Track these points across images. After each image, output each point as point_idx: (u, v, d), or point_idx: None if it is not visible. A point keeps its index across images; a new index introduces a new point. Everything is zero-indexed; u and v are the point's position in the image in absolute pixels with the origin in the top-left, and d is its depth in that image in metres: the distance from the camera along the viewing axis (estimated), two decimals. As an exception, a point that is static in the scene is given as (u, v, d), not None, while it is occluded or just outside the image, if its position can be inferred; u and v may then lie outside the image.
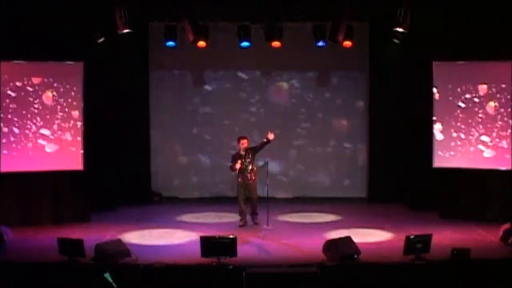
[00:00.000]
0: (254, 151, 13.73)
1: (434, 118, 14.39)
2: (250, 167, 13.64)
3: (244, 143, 13.69)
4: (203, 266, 10.38)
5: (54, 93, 13.86)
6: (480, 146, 14.12)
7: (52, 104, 13.85)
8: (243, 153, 13.65)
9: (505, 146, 13.92)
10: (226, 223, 14.12)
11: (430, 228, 12.26)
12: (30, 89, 13.70)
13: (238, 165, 13.53)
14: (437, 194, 14.59)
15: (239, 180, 13.71)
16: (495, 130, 14.01)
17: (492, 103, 14.03)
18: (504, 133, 13.94)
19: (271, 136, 13.59)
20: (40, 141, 13.78)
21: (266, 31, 14.45)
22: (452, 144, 14.31)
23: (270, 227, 13.52)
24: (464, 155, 14.24)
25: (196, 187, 17.18)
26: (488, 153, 14.07)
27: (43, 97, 13.79)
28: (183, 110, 17.13)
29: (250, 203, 13.80)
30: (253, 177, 13.71)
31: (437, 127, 14.39)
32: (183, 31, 14.27)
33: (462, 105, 14.25)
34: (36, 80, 13.75)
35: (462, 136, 14.25)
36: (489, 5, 13.74)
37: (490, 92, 14.04)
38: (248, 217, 13.82)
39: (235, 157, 13.67)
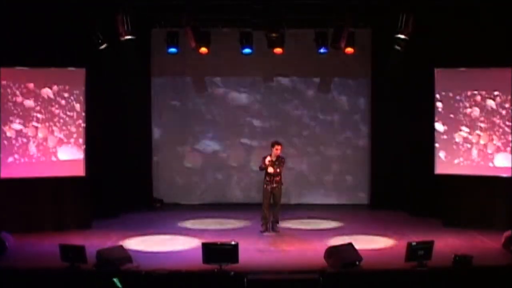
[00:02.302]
0: (282, 162, 13.55)
1: (436, 124, 14.39)
2: (278, 175, 13.51)
3: (278, 149, 13.44)
4: (204, 272, 10.37)
5: (56, 99, 13.86)
6: (482, 153, 14.12)
7: (54, 110, 13.85)
8: (274, 159, 13.46)
9: (508, 152, 13.90)
10: (228, 230, 14.11)
11: (432, 235, 12.25)
12: (32, 95, 13.70)
13: (267, 161, 13.37)
14: (439, 201, 14.58)
15: (267, 187, 13.53)
16: (497, 136, 14.00)
17: (493, 105, 14.05)
18: (506, 140, 13.93)
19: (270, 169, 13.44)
20: (42, 147, 13.78)
21: (268, 38, 14.46)
22: (454, 151, 14.31)
23: (271, 234, 13.50)
24: (466, 162, 14.23)
25: (198, 194, 17.18)
26: (490, 160, 14.06)
27: (45, 103, 13.79)
28: (185, 117, 17.14)
29: (273, 210, 13.66)
30: (280, 185, 13.56)
31: (439, 134, 14.38)
32: (185, 38, 14.30)
33: (464, 111, 14.25)
34: (38, 86, 13.75)
35: (464, 142, 14.25)
36: (490, 12, 13.73)
37: (492, 98, 14.04)
38: (269, 224, 13.67)
39: (265, 160, 13.47)
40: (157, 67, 16.77)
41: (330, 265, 10.87)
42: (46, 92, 13.81)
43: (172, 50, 15.24)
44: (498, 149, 14.01)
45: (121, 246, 11.60)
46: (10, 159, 13.55)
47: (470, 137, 14.21)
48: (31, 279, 10.18)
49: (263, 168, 13.49)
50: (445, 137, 14.37)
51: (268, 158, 13.45)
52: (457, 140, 14.31)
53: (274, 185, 13.53)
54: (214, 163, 17.14)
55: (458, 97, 14.30)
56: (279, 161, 13.52)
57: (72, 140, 13.97)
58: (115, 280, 9.61)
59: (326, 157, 17.17)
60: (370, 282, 10.23)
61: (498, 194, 14.01)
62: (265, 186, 13.60)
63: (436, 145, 14.41)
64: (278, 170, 13.48)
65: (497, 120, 14.02)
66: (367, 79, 16.83)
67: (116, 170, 15.44)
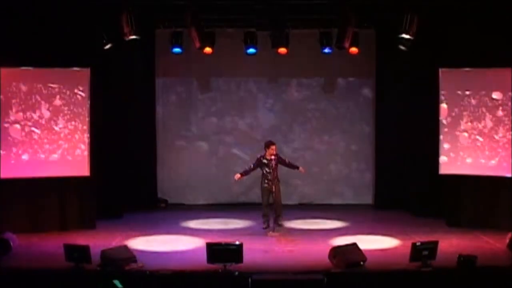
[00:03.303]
0: (280, 160, 13.87)
1: (440, 124, 14.37)
2: (274, 174, 13.72)
3: (273, 149, 13.74)
4: (208, 272, 10.38)
5: (60, 99, 13.87)
6: (487, 153, 14.09)
7: (58, 110, 13.87)
8: (269, 157, 13.73)
9: (510, 152, 13.88)
10: (232, 230, 14.12)
11: (437, 235, 12.26)
12: (36, 95, 13.71)
13: (237, 176, 13.87)
14: (443, 201, 14.56)
15: (265, 185, 13.79)
16: (501, 136, 13.98)
17: (497, 105, 14.03)
18: (509, 140, 13.89)
19: (302, 170, 14.19)
20: (46, 146, 13.79)
21: (272, 38, 14.45)
22: (458, 151, 14.28)
23: (276, 234, 13.51)
24: (471, 162, 14.20)
25: (202, 194, 17.18)
26: (494, 160, 14.04)
27: (49, 103, 13.80)
28: (189, 117, 17.15)
29: (275, 207, 13.82)
30: (277, 183, 13.77)
31: (443, 134, 14.37)
32: (190, 38, 14.30)
33: (468, 111, 14.23)
34: (42, 86, 13.75)
35: (468, 143, 14.22)
36: (494, 12, 13.70)
37: (495, 98, 14.02)
38: (271, 221, 13.82)
39: (259, 161, 13.81)
40: (161, 67, 16.77)
41: (335, 265, 10.87)
42: (50, 92, 13.81)
43: (177, 50, 15.24)
44: (501, 149, 13.97)
45: (126, 246, 11.62)
46: (14, 159, 13.56)
47: (473, 137, 14.19)
48: (36, 279, 10.18)
49: (237, 176, 13.88)
50: (449, 137, 14.35)
51: (238, 176, 13.91)
52: (461, 140, 14.28)
53: (272, 183, 13.68)
54: (218, 163, 17.12)
55: (462, 97, 14.27)
56: (275, 159, 13.76)
57: (76, 140, 13.97)
58: (116, 282, 9.61)
59: (330, 157, 17.15)
60: (375, 282, 10.22)
61: (502, 194, 13.98)
62: (263, 184, 13.84)
63: (440, 145, 14.38)
64: (274, 169, 13.74)
65: (501, 120, 13.99)
66: (371, 79, 16.82)
67: (120, 170, 15.45)
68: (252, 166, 13.94)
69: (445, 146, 14.36)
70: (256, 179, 14.66)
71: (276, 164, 13.75)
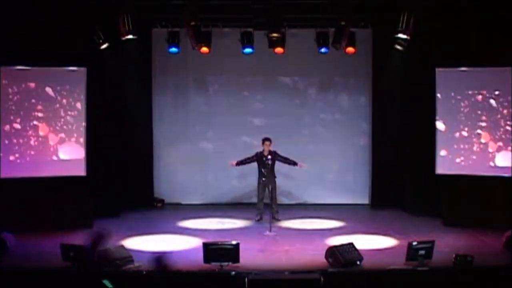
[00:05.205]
0: (276, 156, 14.46)
1: (437, 124, 14.38)
2: (271, 170, 14.34)
3: (268, 145, 14.39)
4: (205, 272, 10.38)
5: (57, 98, 13.87)
6: (483, 153, 14.11)
7: (55, 109, 13.87)
8: (266, 153, 14.38)
9: (508, 152, 13.89)
10: (229, 229, 14.13)
11: (433, 235, 12.29)
12: (33, 94, 13.71)
13: (231, 163, 14.68)
14: (440, 200, 14.58)
15: (261, 181, 14.43)
16: (498, 136, 14.00)
17: (494, 105, 14.04)
18: (506, 139, 13.92)
19: (301, 165, 14.63)
20: (43, 146, 13.78)
21: (269, 37, 14.46)
22: (455, 150, 14.30)
23: (272, 233, 13.51)
24: (467, 161, 14.23)
25: (199, 193, 17.17)
26: (491, 159, 14.06)
27: (46, 102, 13.80)
28: (186, 116, 17.15)
29: (270, 204, 14.13)
30: (273, 179, 14.33)
31: (440, 134, 14.38)
32: (186, 37, 14.30)
33: (465, 111, 14.25)
34: (39, 86, 13.76)
35: (465, 142, 14.24)
36: (491, 11, 13.73)
37: (492, 98, 14.04)
38: (266, 215, 14.17)
39: (257, 155, 14.47)
40: (158, 67, 16.78)
41: (331, 265, 10.90)
42: (47, 91, 13.83)
43: (173, 49, 15.22)
44: (498, 149, 14.03)
45: (122, 246, 11.62)
46: (11, 158, 13.56)
47: (470, 136, 14.21)
48: (32, 279, 10.14)
49: (238, 163, 14.60)
50: (446, 136, 14.38)
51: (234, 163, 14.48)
52: (457, 139, 14.30)
53: (268, 179, 14.24)
54: (215, 163, 17.11)
55: (459, 97, 14.31)
56: (272, 156, 14.37)
57: (73, 140, 14.00)
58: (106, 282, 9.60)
59: (327, 156, 17.15)
60: (371, 282, 10.19)
61: (498, 194, 14.02)
62: (259, 180, 14.48)
63: (437, 144, 14.41)
64: (271, 164, 14.36)
65: (497, 119, 14.02)
66: (368, 78, 16.83)
67: (117, 169, 15.45)
68: (248, 157, 14.57)
69: (441, 145, 14.38)
70: (254, 179, 14.73)
71: (273, 161, 14.29)
